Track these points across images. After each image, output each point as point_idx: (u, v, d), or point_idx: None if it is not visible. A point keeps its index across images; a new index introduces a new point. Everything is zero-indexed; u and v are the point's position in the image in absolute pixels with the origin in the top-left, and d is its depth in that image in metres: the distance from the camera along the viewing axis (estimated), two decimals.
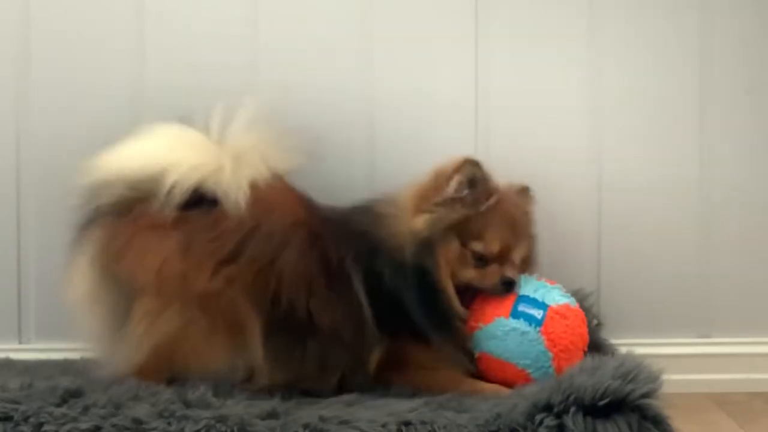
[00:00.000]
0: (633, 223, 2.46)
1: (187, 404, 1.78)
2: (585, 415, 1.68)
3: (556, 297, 2.06)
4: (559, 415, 1.69)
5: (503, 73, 2.44)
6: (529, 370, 2.00)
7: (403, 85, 2.43)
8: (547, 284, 2.09)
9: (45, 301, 2.35)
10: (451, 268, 2.06)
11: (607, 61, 2.44)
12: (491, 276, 2.07)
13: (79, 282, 2.04)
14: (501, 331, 2.02)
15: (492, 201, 2.08)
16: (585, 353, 2.03)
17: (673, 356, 2.38)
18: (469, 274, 2.07)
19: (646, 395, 1.70)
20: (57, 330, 2.23)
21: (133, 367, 1.98)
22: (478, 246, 2.07)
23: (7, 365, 2.21)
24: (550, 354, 2.00)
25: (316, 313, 2.02)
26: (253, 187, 2.04)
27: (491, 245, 2.07)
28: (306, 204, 2.13)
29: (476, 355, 2.05)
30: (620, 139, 2.45)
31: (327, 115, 2.41)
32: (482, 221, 2.07)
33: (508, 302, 2.05)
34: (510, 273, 2.07)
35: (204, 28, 2.41)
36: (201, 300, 1.99)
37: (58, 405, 1.76)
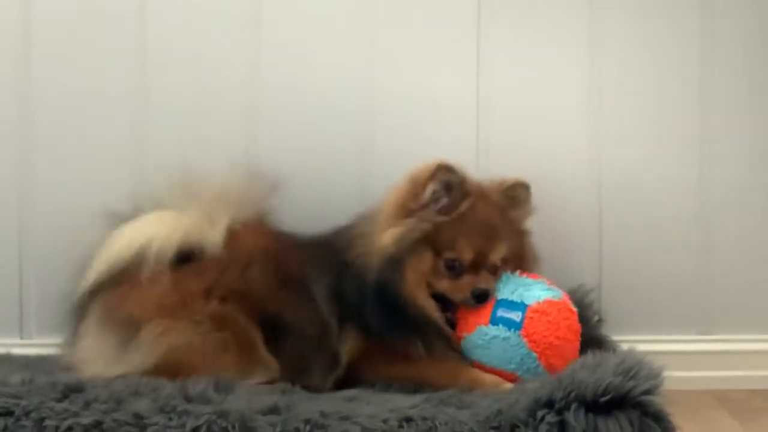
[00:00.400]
0: (634, 220, 2.46)
1: (188, 399, 1.78)
2: (586, 411, 1.68)
3: (537, 293, 2.04)
4: (560, 412, 1.68)
5: (504, 73, 2.44)
6: (518, 373, 1.99)
7: (403, 86, 2.43)
8: (528, 280, 2.07)
9: (46, 296, 2.35)
10: (426, 280, 2.06)
11: (607, 61, 2.44)
12: (462, 289, 2.05)
13: (85, 341, 2.07)
14: (483, 340, 2.02)
15: (463, 207, 2.06)
16: (579, 342, 2.03)
17: (674, 353, 2.38)
18: (443, 285, 2.07)
19: (647, 392, 1.70)
20: (58, 325, 2.22)
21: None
22: (450, 254, 2.06)
23: (8, 360, 2.20)
24: (534, 354, 1.99)
25: (285, 316, 2.07)
26: (229, 231, 2.13)
27: (464, 253, 2.06)
28: (275, 235, 2.20)
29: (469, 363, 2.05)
30: (620, 137, 2.46)
31: (327, 118, 2.42)
32: (454, 229, 2.06)
33: (488, 309, 2.04)
34: (483, 284, 2.05)
35: (205, 48, 2.43)
36: (209, 318, 2.03)
37: (59, 400, 1.76)
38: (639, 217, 2.46)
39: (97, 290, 2.10)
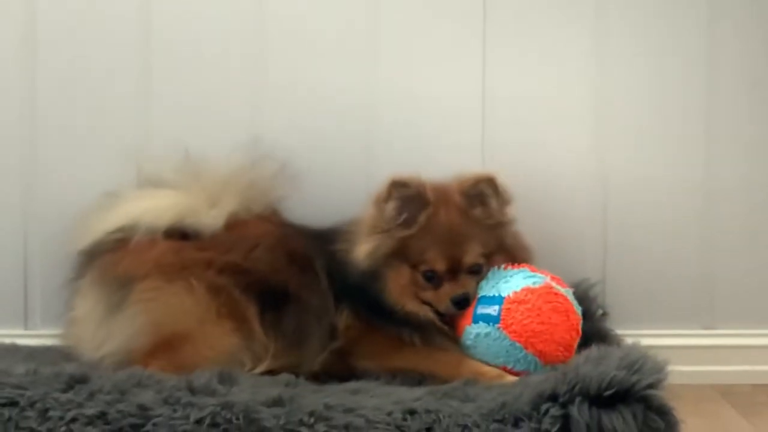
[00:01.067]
0: (638, 216, 2.46)
1: (193, 391, 1.78)
2: (590, 405, 1.68)
3: (516, 283, 2.03)
4: (564, 405, 1.69)
5: (510, 73, 2.44)
6: (510, 366, 2.00)
7: (407, 91, 2.44)
8: (510, 272, 2.07)
9: (51, 287, 2.34)
10: (411, 290, 2.07)
11: (612, 60, 2.44)
12: (442, 299, 2.06)
13: (80, 301, 2.11)
14: (470, 340, 2.04)
15: (423, 218, 2.06)
16: (572, 321, 2.02)
17: (677, 347, 2.37)
18: (427, 296, 2.08)
19: (651, 386, 1.70)
20: (63, 316, 2.23)
21: (139, 356, 2.00)
22: (424, 267, 2.06)
23: (13, 351, 2.21)
24: (518, 344, 1.99)
25: (290, 286, 2.11)
26: (237, 219, 2.17)
27: (436, 263, 2.06)
28: (281, 223, 2.24)
29: None
30: (626, 135, 2.45)
31: (330, 120, 2.43)
32: (421, 240, 2.06)
33: (471, 309, 2.05)
34: (460, 289, 2.06)
35: (208, 39, 2.42)
36: (205, 286, 2.05)
37: (64, 391, 1.76)
38: (643, 213, 2.46)
39: (95, 255, 2.13)
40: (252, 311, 2.07)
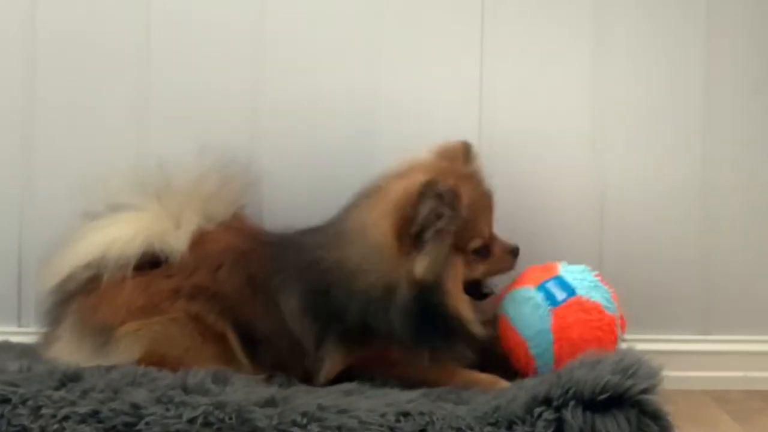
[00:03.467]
0: (634, 220, 2.45)
1: (186, 390, 1.78)
2: (584, 409, 1.68)
3: (594, 294, 2.05)
4: (558, 409, 1.68)
5: (508, 70, 2.43)
6: (529, 344, 2.01)
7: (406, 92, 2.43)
8: (599, 284, 2.08)
9: None
10: (461, 284, 2.04)
11: (612, 61, 2.44)
12: (502, 258, 2.09)
13: (60, 345, 2.06)
14: (520, 297, 2.06)
15: (465, 200, 2.02)
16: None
17: (672, 353, 2.37)
18: (479, 271, 2.07)
19: (645, 391, 1.70)
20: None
21: None
22: (475, 244, 2.05)
23: (6, 348, 2.20)
24: (552, 336, 2.00)
25: (258, 327, 2.05)
26: (199, 231, 2.11)
27: (484, 233, 2.07)
28: (246, 233, 2.17)
29: (498, 314, 2.09)
30: (623, 138, 2.45)
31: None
32: (467, 221, 2.03)
33: (546, 275, 2.07)
34: (508, 241, 2.09)
35: (208, 36, 2.41)
36: (183, 315, 2.03)
37: (57, 388, 1.76)
38: (639, 217, 2.45)
39: (69, 296, 2.09)
40: (232, 336, 2.04)
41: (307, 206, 2.29)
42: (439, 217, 1.98)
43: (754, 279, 2.48)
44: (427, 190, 1.98)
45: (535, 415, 1.68)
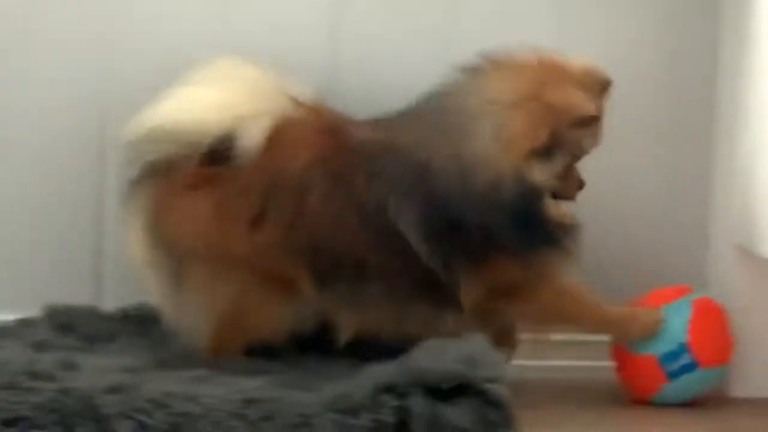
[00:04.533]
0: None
1: (34, 376, 1.77)
2: (428, 397, 1.70)
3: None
4: (402, 396, 1.70)
5: None
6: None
7: None
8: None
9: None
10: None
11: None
12: (571, 187, 1.99)
13: (136, 249, 2.03)
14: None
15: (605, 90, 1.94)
16: None
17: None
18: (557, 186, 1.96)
19: (489, 380, 1.73)
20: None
21: (207, 341, 2.01)
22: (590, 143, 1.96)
23: None
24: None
25: (365, 257, 1.93)
26: (273, 125, 1.91)
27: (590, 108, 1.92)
28: (333, 130, 1.95)
29: None
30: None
31: None
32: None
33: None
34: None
35: None
36: (247, 263, 1.96)
37: None
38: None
39: (146, 173, 1.97)
40: (300, 276, 1.94)
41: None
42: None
43: None
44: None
45: (380, 402, 1.70)
